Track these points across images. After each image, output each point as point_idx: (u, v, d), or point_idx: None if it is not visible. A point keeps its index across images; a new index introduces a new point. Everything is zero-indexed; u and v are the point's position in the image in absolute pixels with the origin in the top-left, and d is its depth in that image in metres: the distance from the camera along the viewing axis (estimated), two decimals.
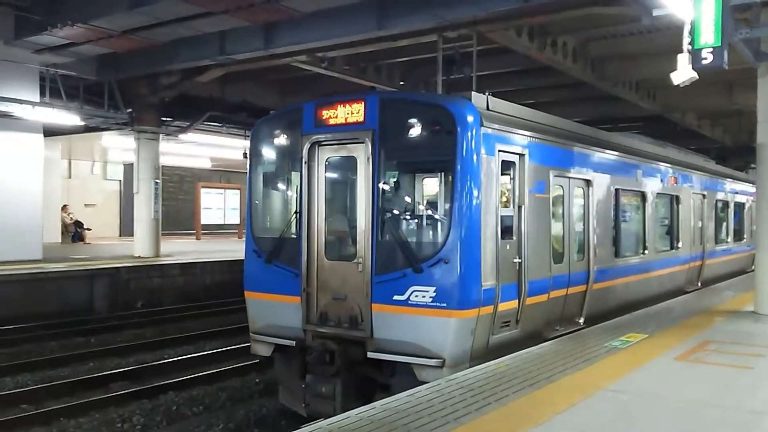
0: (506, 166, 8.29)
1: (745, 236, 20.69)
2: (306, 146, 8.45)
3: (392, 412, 5.46)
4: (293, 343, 8.37)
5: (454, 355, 7.42)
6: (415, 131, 7.82)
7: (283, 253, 8.64)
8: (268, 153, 9.31)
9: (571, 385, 6.37)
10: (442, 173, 8.59)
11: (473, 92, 8.20)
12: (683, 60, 8.86)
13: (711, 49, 8.50)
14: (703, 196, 16.32)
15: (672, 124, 25.04)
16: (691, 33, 8.65)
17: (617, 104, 22.19)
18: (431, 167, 8.87)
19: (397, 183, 8.45)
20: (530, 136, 8.75)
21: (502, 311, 7.99)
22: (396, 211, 8.43)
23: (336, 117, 8.33)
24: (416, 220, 8.60)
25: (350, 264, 8.13)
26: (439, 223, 8.34)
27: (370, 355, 7.76)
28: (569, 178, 9.86)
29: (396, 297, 7.65)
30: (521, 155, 8.46)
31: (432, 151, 8.06)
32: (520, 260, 8.34)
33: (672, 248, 14.27)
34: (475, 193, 7.62)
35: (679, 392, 6.23)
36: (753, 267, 20.09)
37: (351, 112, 8.20)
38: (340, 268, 8.26)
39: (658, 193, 13.40)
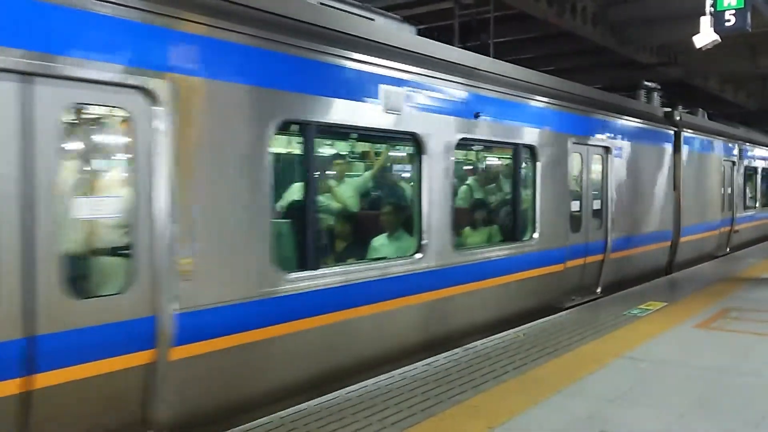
0: None
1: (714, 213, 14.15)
2: None
3: (410, 381, 5.50)
4: None
5: None
6: None
7: None
8: None
9: (590, 353, 6.37)
10: None
11: None
12: (706, 23, 8.73)
13: (734, 11, 8.41)
14: (588, 147, 9.55)
15: (694, 89, 24.62)
16: None
17: (639, 70, 21.83)
18: None
19: None
20: None
21: None
22: None
23: None
24: None
25: None
26: None
27: None
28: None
29: None
30: None
31: None
32: None
33: (488, 247, 7.74)
34: None
35: (698, 359, 6.21)
36: (728, 248, 15.65)
37: None
38: None
39: (429, 136, 6.76)
